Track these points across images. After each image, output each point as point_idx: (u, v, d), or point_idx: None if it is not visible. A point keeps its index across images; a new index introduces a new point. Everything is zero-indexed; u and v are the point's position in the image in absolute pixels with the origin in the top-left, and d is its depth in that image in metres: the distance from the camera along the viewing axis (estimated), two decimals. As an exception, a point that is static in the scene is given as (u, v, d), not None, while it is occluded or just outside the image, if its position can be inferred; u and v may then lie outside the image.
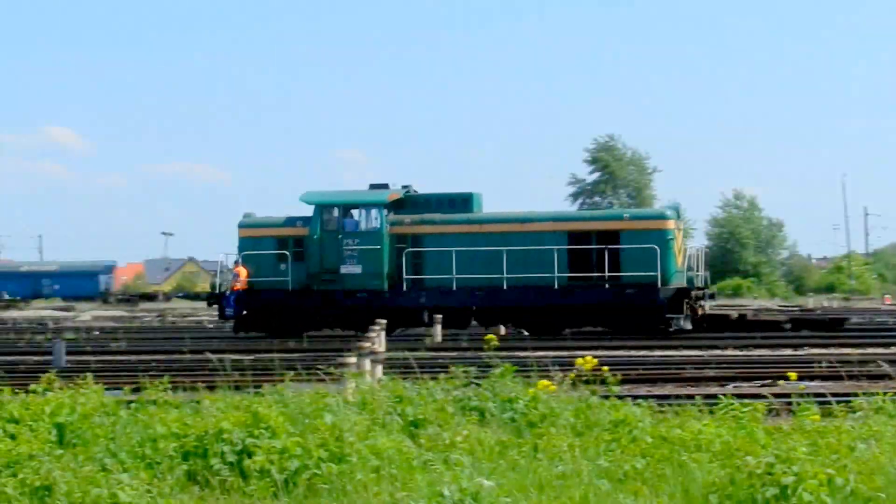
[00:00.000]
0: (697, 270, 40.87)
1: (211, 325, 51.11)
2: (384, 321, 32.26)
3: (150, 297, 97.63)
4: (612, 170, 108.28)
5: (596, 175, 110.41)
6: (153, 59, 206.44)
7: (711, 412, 13.58)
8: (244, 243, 41.00)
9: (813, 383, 21.58)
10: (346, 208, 40.77)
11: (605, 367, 15.48)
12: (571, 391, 14.86)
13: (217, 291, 42.12)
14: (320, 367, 16.91)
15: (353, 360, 19.36)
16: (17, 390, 13.32)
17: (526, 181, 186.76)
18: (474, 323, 40.04)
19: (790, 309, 57.85)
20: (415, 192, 41.74)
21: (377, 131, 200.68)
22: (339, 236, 40.09)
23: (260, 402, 12.25)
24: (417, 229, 40.27)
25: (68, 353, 29.95)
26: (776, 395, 17.25)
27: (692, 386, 22.29)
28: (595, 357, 16.33)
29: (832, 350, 30.63)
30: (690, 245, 43.57)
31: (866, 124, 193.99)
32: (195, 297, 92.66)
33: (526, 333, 39.31)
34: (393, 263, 40.04)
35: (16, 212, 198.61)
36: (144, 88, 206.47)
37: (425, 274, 40.01)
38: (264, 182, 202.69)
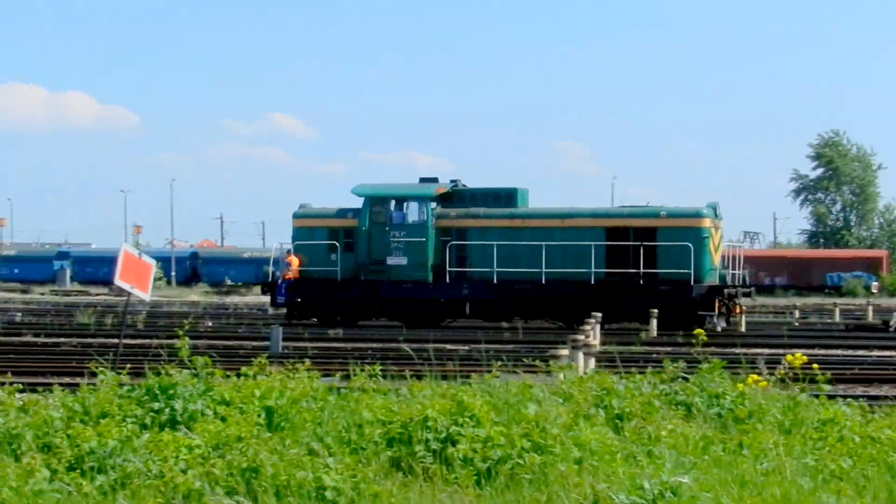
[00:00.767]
0: (734, 269, 41.40)
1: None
2: (599, 314, 32.10)
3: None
4: (835, 166, 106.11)
5: (819, 171, 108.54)
6: (381, 55, 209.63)
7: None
8: (298, 233, 42.57)
9: None
10: (394, 201, 41.67)
11: (815, 365, 15.17)
12: (780, 389, 14.62)
13: (270, 280, 43.45)
14: (529, 358, 16.90)
15: (565, 352, 19.42)
16: (228, 374, 13.61)
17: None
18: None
19: None
20: (463, 185, 42.62)
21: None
22: (387, 228, 41.19)
23: (465, 391, 12.31)
24: (462, 223, 41.31)
25: (285, 339, 30.51)
26: None
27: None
28: (809, 356, 16.09)
29: None
30: (727, 244, 43.50)
31: None
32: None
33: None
34: (438, 255, 41.04)
35: (239, 198, 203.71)
36: (369, 83, 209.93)
37: (468, 266, 40.85)
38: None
